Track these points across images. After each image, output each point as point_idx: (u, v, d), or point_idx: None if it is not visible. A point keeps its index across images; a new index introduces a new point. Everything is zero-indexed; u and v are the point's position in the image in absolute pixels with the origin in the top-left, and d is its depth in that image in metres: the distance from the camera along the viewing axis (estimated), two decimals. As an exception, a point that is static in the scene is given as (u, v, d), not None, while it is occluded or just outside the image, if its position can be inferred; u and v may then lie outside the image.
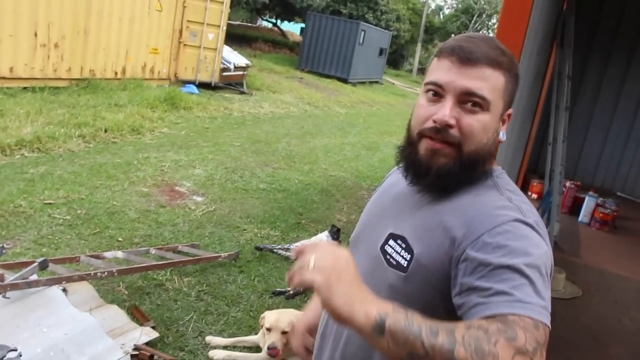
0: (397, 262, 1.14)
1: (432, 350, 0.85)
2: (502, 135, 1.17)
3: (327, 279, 0.91)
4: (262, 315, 3.11)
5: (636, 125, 8.25)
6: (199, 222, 4.88)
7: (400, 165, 1.24)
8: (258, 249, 4.43)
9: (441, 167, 1.12)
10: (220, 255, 4.14)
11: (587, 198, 6.87)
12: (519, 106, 3.34)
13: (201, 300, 3.62)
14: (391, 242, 1.18)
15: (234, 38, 19.77)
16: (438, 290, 1.07)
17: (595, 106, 8.39)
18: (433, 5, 40.50)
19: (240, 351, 3.10)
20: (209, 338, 3.19)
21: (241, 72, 13.19)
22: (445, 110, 1.09)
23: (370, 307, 0.89)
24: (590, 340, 3.91)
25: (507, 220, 1.03)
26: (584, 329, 4.06)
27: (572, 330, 3.99)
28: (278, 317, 2.96)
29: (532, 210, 1.08)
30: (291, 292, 3.88)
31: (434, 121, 1.10)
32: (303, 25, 24.34)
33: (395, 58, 33.53)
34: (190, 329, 3.27)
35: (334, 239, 4.56)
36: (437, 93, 1.12)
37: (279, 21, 29.65)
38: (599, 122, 8.41)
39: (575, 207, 7.02)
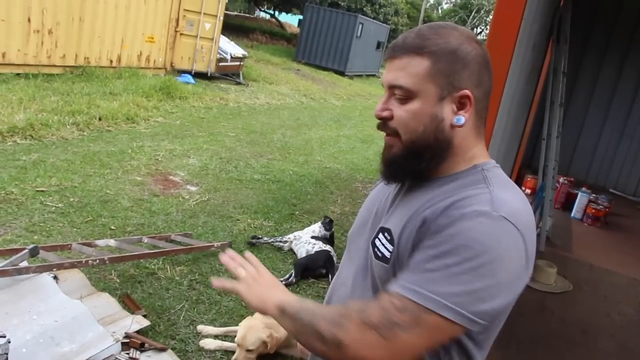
0: (382, 254, 1.17)
1: (309, 323, 1.08)
2: (457, 120, 1.11)
3: (247, 287, 1.22)
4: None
5: (629, 122, 8.30)
6: (192, 212, 4.87)
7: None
8: (251, 244, 4.42)
9: (389, 156, 1.18)
10: (213, 245, 4.14)
11: (580, 194, 6.90)
12: (513, 101, 3.34)
13: (193, 290, 3.61)
14: (380, 235, 1.20)
15: (231, 28, 19.70)
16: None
17: (590, 103, 8.42)
18: (432, 0, 40.42)
19: (232, 341, 3.11)
20: (200, 327, 3.19)
21: (238, 63, 13.14)
22: (379, 105, 1.15)
23: (275, 299, 1.17)
24: (580, 333, 3.93)
25: (467, 209, 1.02)
26: (574, 322, 4.09)
27: (562, 323, 4.02)
28: (244, 335, 2.91)
29: (511, 204, 1.04)
30: (283, 282, 3.88)
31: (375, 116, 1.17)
32: (301, 17, 24.26)
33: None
34: (181, 318, 3.27)
35: (326, 230, 4.57)
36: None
37: (276, 12, 29.57)
38: (593, 119, 8.44)
39: (568, 202, 7.06)
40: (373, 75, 23.83)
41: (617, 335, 4.04)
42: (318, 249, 4.24)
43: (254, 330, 2.91)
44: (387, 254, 1.15)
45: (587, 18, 8.01)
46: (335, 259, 4.29)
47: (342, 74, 20.17)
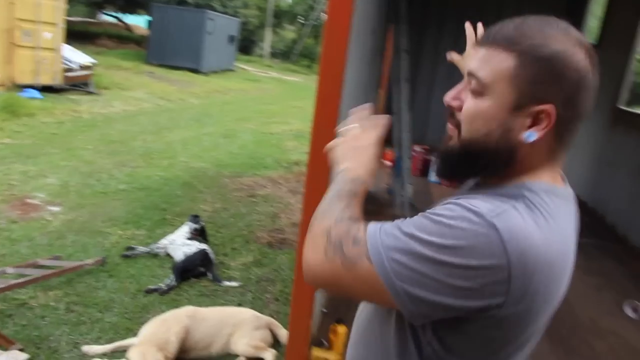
0: None
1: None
2: (527, 137, 0.95)
3: (342, 149, 1.17)
4: None
5: (472, 89, 9.06)
6: (58, 233, 4.68)
7: None
8: (126, 256, 4.35)
9: (444, 148, 1.07)
10: (86, 263, 4.02)
11: (434, 159, 7.46)
12: (360, 82, 3.56)
13: (71, 312, 3.51)
14: None
15: (75, 36, 18.67)
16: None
17: (435, 76, 9.08)
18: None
19: (121, 357, 3.07)
20: (85, 348, 3.12)
21: (87, 72, 12.53)
22: (450, 91, 1.04)
23: (345, 164, 1.13)
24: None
25: (469, 203, 0.91)
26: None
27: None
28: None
29: (524, 229, 0.88)
30: (164, 287, 3.87)
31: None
32: (148, 17, 23.51)
33: (246, 44, 33.46)
34: (63, 343, 3.18)
35: (196, 223, 4.61)
36: None
37: (122, 15, 28.38)
38: (440, 90, 9.05)
39: (425, 168, 7.60)
40: (229, 70, 23.71)
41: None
42: (195, 250, 4.27)
43: (149, 355, 2.88)
44: None
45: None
46: (212, 255, 4.34)
47: (197, 71, 19.87)
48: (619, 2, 7.35)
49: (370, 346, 1.16)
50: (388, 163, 7.41)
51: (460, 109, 1.01)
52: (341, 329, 3.16)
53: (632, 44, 6.62)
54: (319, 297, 3.12)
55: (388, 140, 6.66)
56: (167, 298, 3.81)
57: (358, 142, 1.17)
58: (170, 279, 3.99)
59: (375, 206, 6.08)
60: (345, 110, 2.89)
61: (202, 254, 4.25)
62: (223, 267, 4.43)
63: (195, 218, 4.70)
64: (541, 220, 0.91)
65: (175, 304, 3.66)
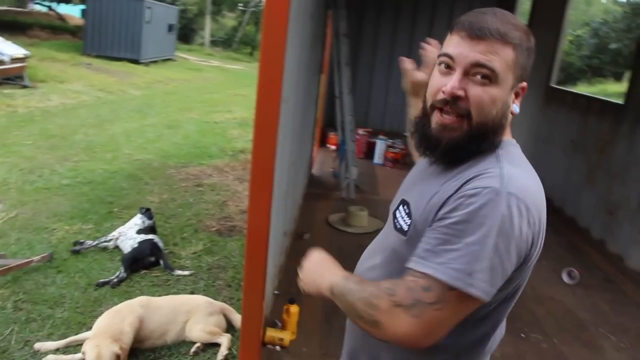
0: (401, 226, 1.23)
1: (351, 305, 1.15)
2: (515, 108, 1.19)
3: (307, 282, 1.32)
4: None
5: (411, 71, 9.23)
6: (0, 232, 4.58)
7: (415, 137, 1.27)
8: (75, 251, 4.30)
9: (450, 141, 1.16)
10: (32, 260, 3.96)
11: (378, 142, 7.63)
12: (301, 67, 3.62)
13: (20, 310, 3.46)
14: (400, 207, 1.26)
15: (4, 26, 18.00)
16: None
17: (375, 59, 9.21)
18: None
19: (75, 352, 3.05)
20: (37, 345, 3.09)
21: (19, 64, 12.08)
22: (454, 82, 1.12)
23: (326, 283, 1.23)
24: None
25: (480, 185, 1.07)
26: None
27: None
28: (98, 355, 2.81)
29: (519, 180, 1.10)
30: (115, 280, 3.87)
31: (443, 92, 1.14)
32: (82, 7, 22.75)
33: (186, 33, 32.93)
34: (13, 342, 3.14)
35: (149, 218, 4.59)
36: (449, 65, 1.15)
37: (54, 4, 27.33)
38: (380, 73, 9.26)
39: (369, 151, 7.77)
40: (170, 60, 23.29)
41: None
42: (141, 240, 4.26)
43: (104, 347, 2.85)
44: (405, 227, 1.21)
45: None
46: (161, 244, 4.35)
47: (136, 62, 19.43)
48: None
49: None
50: (332, 147, 7.53)
51: (465, 98, 1.13)
52: (294, 309, 3.25)
53: (561, 25, 6.91)
54: (270, 280, 3.20)
55: (332, 124, 6.74)
56: (119, 290, 3.80)
57: (317, 266, 1.33)
58: (119, 271, 3.98)
59: (321, 189, 6.19)
60: (288, 95, 2.95)
61: (151, 243, 4.24)
62: (174, 257, 4.44)
63: (147, 213, 4.65)
64: (521, 167, 1.16)
65: (128, 296, 3.66)
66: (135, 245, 4.21)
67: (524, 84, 1.18)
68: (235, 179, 6.82)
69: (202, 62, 25.88)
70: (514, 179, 1.07)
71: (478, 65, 1.10)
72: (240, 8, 36.97)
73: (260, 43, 2.40)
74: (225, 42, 34.76)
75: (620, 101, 5.52)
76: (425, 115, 1.22)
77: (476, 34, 1.10)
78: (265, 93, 2.40)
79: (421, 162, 1.36)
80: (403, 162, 7.60)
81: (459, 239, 1.03)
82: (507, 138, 1.22)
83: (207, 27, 34.26)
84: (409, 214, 1.21)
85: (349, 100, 5.94)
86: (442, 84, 1.15)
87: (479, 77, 1.11)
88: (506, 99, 1.15)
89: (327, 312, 3.56)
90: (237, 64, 27.65)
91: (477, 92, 1.11)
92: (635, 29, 20.40)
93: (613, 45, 21.98)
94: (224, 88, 17.28)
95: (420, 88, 1.46)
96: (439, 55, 1.18)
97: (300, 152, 4.58)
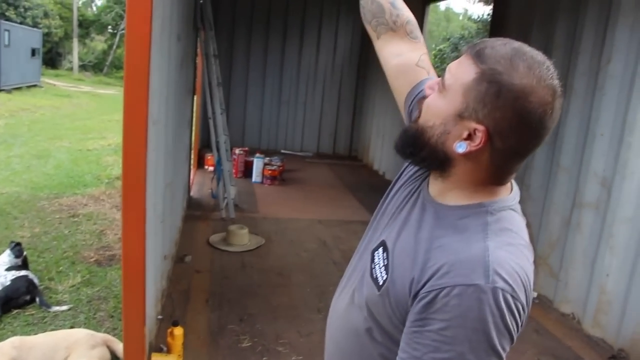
0: (376, 277, 1.13)
1: None
2: (459, 146, 1.02)
3: None
4: None
5: (283, 91, 9.56)
6: None
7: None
8: None
9: (408, 126, 1.16)
10: None
11: (255, 160, 7.71)
12: (169, 89, 3.62)
13: None
14: (380, 251, 1.16)
15: None
16: (401, 322, 1.07)
17: (248, 79, 9.41)
18: (83, -1, 38.44)
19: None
20: None
21: None
22: (431, 81, 1.13)
23: None
24: (277, 276, 4.57)
25: (463, 282, 0.96)
26: (271, 269, 4.71)
27: (262, 272, 4.60)
28: None
29: (507, 267, 0.98)
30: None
31: None
32: None
33: (52, 57, 31.34)
34: None
35: (17, 256, 4.33)
36: None
37: None
38: (254, 92, 9.47)
39: (247, 170, 7.84)
40: (35, 86, 22.04)
41: (307, 269, 4.79)
42: (13, 277, 4.03)
43: None
44: (380, 281, 1.11)
45: (230, 4, 8.94)
46: (36, 280, 4.14)
47: (-3, 89, 18.21)
48: None
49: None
50: (210, 168, 7.51)
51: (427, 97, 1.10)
52: (177, 331, 3.24)
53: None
54: (152, 305, 3.17)
55: (209, 145, 6.73)
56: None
57: None
58: (-11, 313, 3.74)
59: (201, 211, 6.18)
60: (158, 117, 2.97)
61: (25, 279, 4.02)
62: (50, 293, 4.23)
63: (16, 248, 4.37)
64: (510, 245, 1.02)
65: (-2, 338, 3.46)
66: (8, 284, 3.97)
67: (482, 127, 0.99)
68: (113, 207, 6.61)
69: (72, 87, 24.69)
70: (501, 266, 0.96)
71: (447, 70, 1.07)
72: (110, 31, 35.77)
73: (124, 65, 2.40)
74: (95, 66, 33.42)
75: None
76: None
77: (465, 49, 1.05)
78: (132, 115, 2.40)
79: (402, 187, 1.27)
80: (281, 179, 7.78)
81: (449, 345, 0.95)
82: (497, 198, 1.08)
83: (75, 51, 32.76)
84: (386, 267, 1.11)
85: (222, 120, 6.00)
86: None
87: (439, 83, 1.08)
88: (446, 119, 1.03)
89: (212, 331, 3.58)
90: (109, 88, 26.64)
91: (432, 95, 1.08)
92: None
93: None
94: (96, 114, 16.61)
95: None
96: None
97: (176, 173, 4.56)
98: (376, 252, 1.17)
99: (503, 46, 0.99)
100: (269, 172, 7.63)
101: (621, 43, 3.89)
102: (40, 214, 6.13)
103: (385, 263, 1.11)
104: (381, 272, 1.11)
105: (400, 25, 1.39)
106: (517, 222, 1.08)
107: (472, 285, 0.94)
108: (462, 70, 1.01)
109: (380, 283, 1.10)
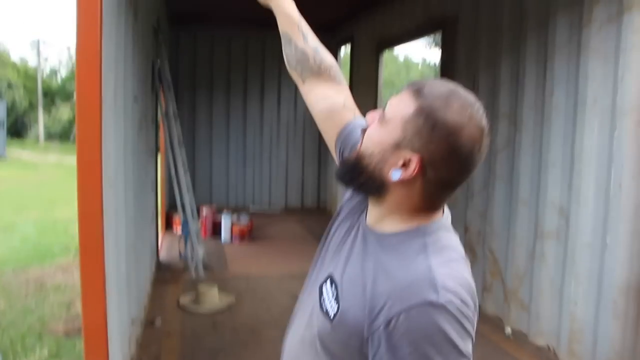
0: (327, 309, 1.16)
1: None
2: (394, 173, 1.09)
3: None
4: None
5: (247, 145, 9.67)
6: None
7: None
8: None
9: (349, 156, 1.24)
10: None
11: (223, 218, 7.65)
12: (127, 152, 3.61)
13: None
14: (328, 284, 1.19)
15: None
16: (357, 350, 1.10)
17: (212, 136, 9.50)
18: (48, 70, 38.45)
19: None
20: None
21: None
22: (373, 112, 1.18)
23: None
24: (250, 333, 4.47)
25: (417, 303, 1.00)
26: (243, 326, 4.62)
27: (234, 331, 4.51)
28: None
29: (450, 281, 1.03)
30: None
31: None
32: None
33: (18, 128, 31.17)
34: None
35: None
36: None
37: None
38: (219, 151, 9.56)
39: (216, 229, 7.75)
40: (0, 157, 21.78)
41: (279, 324, 4.68)
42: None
43: None
44: (331, 313, 1.14)
45: (190, 65, 9.10)
46: (0, 358, 4.02)
47: (-40, 164, 17.91)
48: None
49: None
50: (178, 229, 7.43)
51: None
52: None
53: (376, 86, 7.57)
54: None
55: (176, 206, 6.70)
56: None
57: None
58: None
59: (170, 273, 6.09)
60: (114, 179, 2.96)
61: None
62: (15, 368, 4.11)
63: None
64: (449, 261, 1.08)
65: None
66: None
67: (415, 157, 1.06)
68: (81, 275, 6.48)
69: (38, 158, 24.47)
70: (447, 280, 1.02)
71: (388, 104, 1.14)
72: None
73: (76, 127, 2.40)
74: (62, 136, 33.25)
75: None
76: None
77: (411, 84, 1.12)
78: (86, 177, 2.41)
79: (342, 223, 1.32)
80: (250, 236, 7.74)
81: None
82: (435, 220, 1.15)
83: (41, 121, 32.62)
84: (336, 298, 1.15)
85: (185, 179, 6.00)
86: None
87: (380, 114, 1.15)
88: (384, 149, 1.10)
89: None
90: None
91: (372, 125, 1.15)
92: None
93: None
94: (64, 183, 16.39)
95: None
96: None
97: (140, 236, 4.50)
98: (324, 285, 1.20)
99: (441, 86, 1.08)
100: (238, 230, 7.59)
101: (560, 74, 4.06)
102: (6, 289, 5.98)
103: (335, 295, 1.15)
104: (331, 304, 1.15)
105: (324, 70, 1.47)
106: (452, 239, 1.15)
107: (426, 303, 1.00)
108: (402, 105, 1.09)
109: (331, 315, 1.14)
